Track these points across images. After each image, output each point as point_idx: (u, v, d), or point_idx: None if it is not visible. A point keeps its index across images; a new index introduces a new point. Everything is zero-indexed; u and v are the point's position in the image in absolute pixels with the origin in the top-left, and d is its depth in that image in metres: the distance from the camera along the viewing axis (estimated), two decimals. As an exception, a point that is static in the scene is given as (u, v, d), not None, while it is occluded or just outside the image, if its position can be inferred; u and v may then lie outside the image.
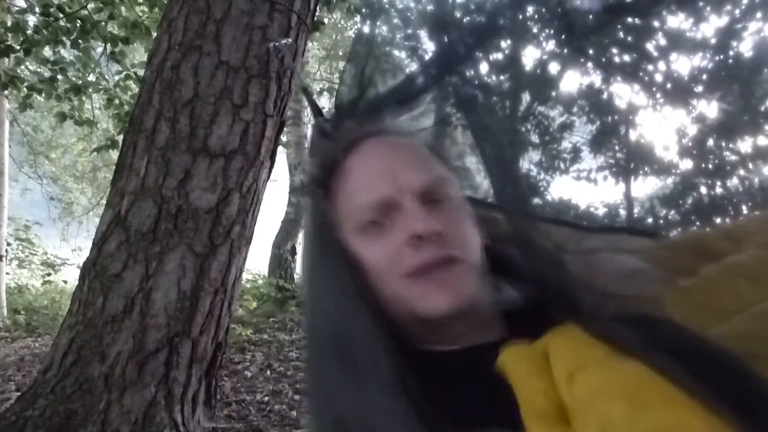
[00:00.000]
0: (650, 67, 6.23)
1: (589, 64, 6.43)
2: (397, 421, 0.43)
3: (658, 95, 6.38)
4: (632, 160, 6.82)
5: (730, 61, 5.86)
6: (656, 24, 5.93)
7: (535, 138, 6.99)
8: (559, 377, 0.42)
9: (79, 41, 3.85)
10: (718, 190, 6.17)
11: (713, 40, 5.89)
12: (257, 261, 6.99)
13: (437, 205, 0.53)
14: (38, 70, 4.51)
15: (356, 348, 0.49)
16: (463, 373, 0.50)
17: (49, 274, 6.88)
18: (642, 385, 0.38)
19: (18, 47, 3.64)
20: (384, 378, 0.46)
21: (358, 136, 0.59)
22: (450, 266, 0.51)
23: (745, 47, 5.84)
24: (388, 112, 0.69)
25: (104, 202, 2.32)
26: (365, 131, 0.60)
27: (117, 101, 4.37)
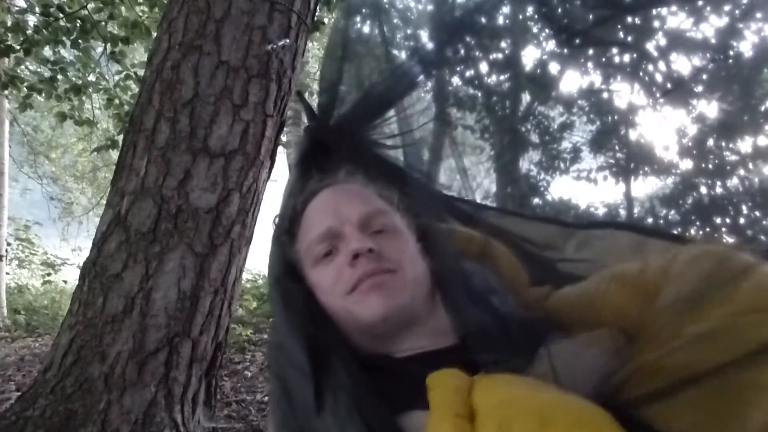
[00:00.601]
0: (650, 67, 6.23)
1: (589, 64, 6.43)
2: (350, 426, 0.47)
3: (658, 95, 6.38)
4: (632, 160, 6.82)
5: (730, 61, 5.86)
6: (656, 24, 5.93)
7: (535, 138, 6.99)
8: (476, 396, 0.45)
9: (79, 41, 3.85)
10: (718, 190, 6.17)
11: (713, 40, 5.88)
12: (257, 261, 6.99)
13: (378, 234, 0.63)
14: (38, 70, 4.51)
15: (318, 358, 0.54)
16: (410, 375, 0.54)
17: (49, 274, 6.88)
18: (555, 407, 0.39)
19: (18, 47, 3.64)
20: (341, 390, 0.50)
21: (315, 189, 0.70)
22: (382, 275, 0.59)
23: (745, 47, 5.84)
24: (375, 111, 0.74)
25: (104, 202, 2.31)
26: (321, 185, 0.70)
27: (117, 101, 4.37)
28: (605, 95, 6.72)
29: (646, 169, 6.80)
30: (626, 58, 6.22)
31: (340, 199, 0.67)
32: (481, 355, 0.51)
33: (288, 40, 1.91)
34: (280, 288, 0.64)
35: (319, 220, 0.65)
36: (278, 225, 0.72)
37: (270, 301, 0.68)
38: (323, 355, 0.54)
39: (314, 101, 0.80)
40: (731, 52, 5.86)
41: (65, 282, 6.84)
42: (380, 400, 0.48)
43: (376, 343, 0.60)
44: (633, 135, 6.95)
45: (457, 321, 0.60)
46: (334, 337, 0.58)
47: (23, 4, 4.33)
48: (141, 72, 3.71)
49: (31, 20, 3.93)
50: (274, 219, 0.73)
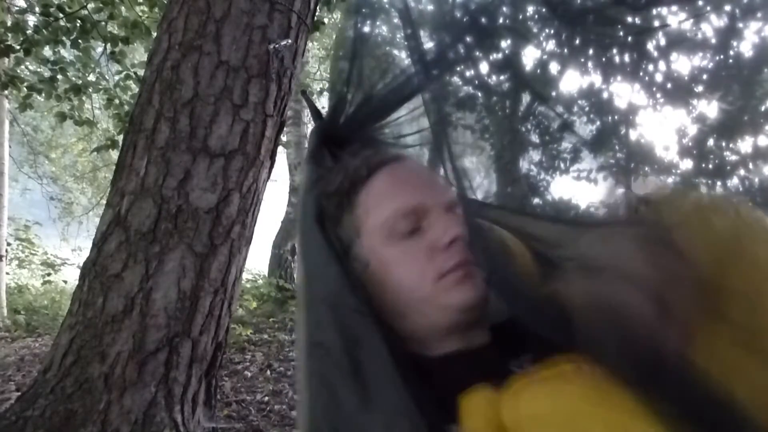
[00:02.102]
0: (650, 67, 6.22)
1: (590, 64, 6.43)
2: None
3: (658, 95, 6.38)
4: (632, 160, 6.81)
5: (730, 61, 5.86)
6: (656, 24, 5.92)
7: (535, 138, 6.99)
8: (504, 410, 0.43)
9: (79, 41, 3.85)
10: (718, 190, 6.17)
11: (713, 40, 5.88)
12: (257, 261, 6.99)
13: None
14: (38, 70, 4.51)
15: (364, 358, 0.51)
16: (451, 376, 0.52)
17: (49, 274, 6.88)
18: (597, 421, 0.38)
19: (18, 47, 3.64)
20: (390, 390, 0.48)
21: (383, 158, 0.64)
22: (472, 266, 0.57)
23: (745, 47, 5.84)
24: (384, 111, 0.72)
25: (104, 202, 2.32)
26: (387, 156, 0.65)
27: (117, 101, 4.37)
28: (605, 95, 6.72)
29: (646, 169, 6.80)
30: (626, 58, 6.22)
31: (424, 177, 0.63)
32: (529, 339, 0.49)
33: (288, 40, 1.91)
34: (315, 265, 0.59)
35: (403, 192, 0.59)
36: (320, 184, 0.65)
37: (303, 269, 0.61)
38: (357, 338, 0.51)
39: (316, 101, 0.80)
40: (731, 52, 5.85)
41: (65, 282, 6.83)
42: (421, 394, 0.47)
43: (432, 336, 0.58)
44: (633, 135, 6.95)
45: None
46: (378, 320, 0.54)
47: (23, 4, 4.34)
48: (141, 72, 3.71)
49: (31, 20, 3.94)
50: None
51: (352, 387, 0.49)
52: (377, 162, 0.63)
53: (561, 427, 0.40)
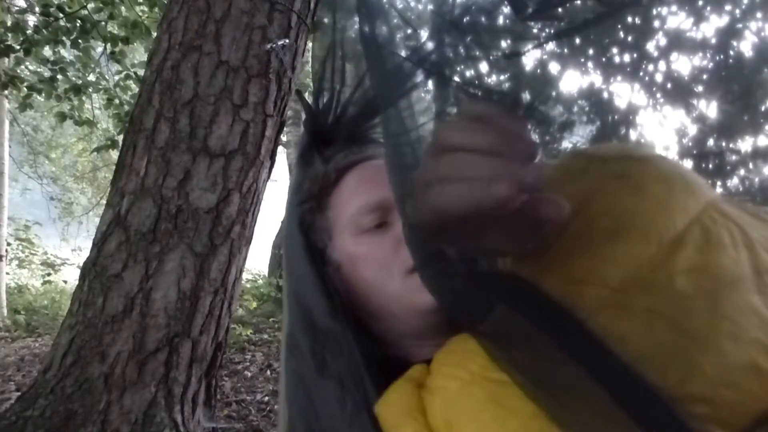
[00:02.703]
0: (650, 67, 6.22)
1: (589, 64, 6.44)
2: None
3: (658, 95, 6.38)
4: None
5: (730, 61, 5.86)
6: (656, 24, 5.93)
7: (535, 138, 6.98)
8: (436, 426, 0.41)
9: (79, 41, 3.85)
10: (718, 189, 6.17)
11: (713, 40, 5.89)
12: (257, 261, 6.99)
13: None
14: (38, 70, 4.51)
15: (333, 361, 0.51)
16: None
17: (49, 274, 6.89)
18: None
19: (18, 47, 3.64)
20: (360, 395, 0.48)
21: (352, 160, 0.64)
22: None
23: (745, 47, 5.84)
24: (375, 110, 0.72)
25: (104, 202, 2.32)
26: (358, 156, 0.65)
27: (117, 101, 4.37)
28: (605, 95, 6.72)
29: (646, 169, 6.80)
30: (626, 58, 6.22)
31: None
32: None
33: (288, 40, 1.91)
34: (293, 265, 0.60)
35: (368, 189, 0.59)
36: (300, 191, 0.66)
37: (284, 295, 0.64)
38: (330, 339, 0.52)
39: (308, 103, 0.79)
40: (731, 52, 5.86)
41: (65, 282, 6.84)
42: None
43: (408, 334, 0.57)
44: (633, 135, 6.94)
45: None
46: (344, 320, 0.54)
47: (23, 4, 4.33)
48: (141, 72, 3.71)
49: (31, 20, 3.94)
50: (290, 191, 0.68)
51: (326, 390, 0.49)
52: (346, 164, 0.63)
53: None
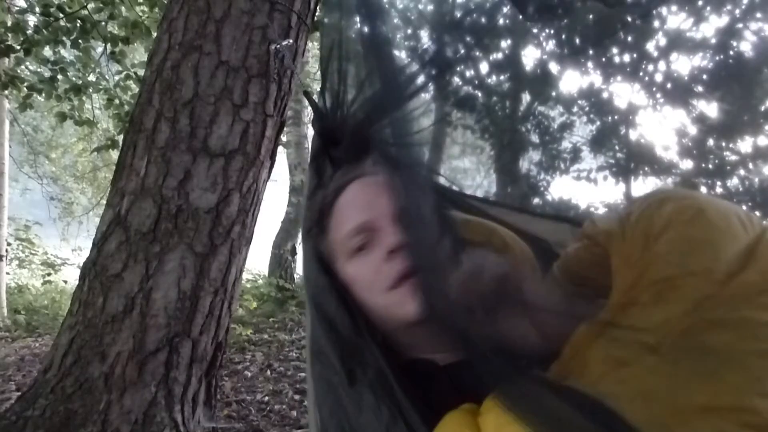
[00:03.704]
0: (650, 67, 6.22)
1: (589, 64, 6.43)
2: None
3: (658, 95, 6.38)
4: (632, 160, 6.81)
5: (730, 61, 5.85)
6: (656, 24, 5.92)
7: (535, 138, 6.99)
8: None
9: (79, 41, 3.85)
10: (718, 190, 6.16)
11: (713, 40, 5.88)
12: (257, 261, 6.99)
13: None
14: (38, 70, 4.50)
15: (359, 368, 0.54)
16: (442, 386, 0.54)
17: (49, 274, 6.88)
18: None
19: (18, 47, 3.63)
20: (378, 387, 0.50)
21: (344, 181, 0.68)
22: (421, 273, 0.56)
23: (745, 47, 5.83)
24: (383, 111, 0.73)
25: (104, 202, 2.31)
26: (350, 176, 0.68)
27: (117, 101, 4.37)
28: (605, 95, 6.72)
29: (646, 169, 6.79)
30: (626, 58, 6.21)
31: (372, 191, 0.65)
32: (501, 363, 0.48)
33: (288, 40, 1.91)
34: (311, 288, 0.63)
35: (352, 213, 0.63)
36: (307, 218, 0.70)
37: (306, 301, 0.66)
38: (356, 351, 0.54)
39: (315, 103, 0.79)
40: (731, 52, 5.85)
41: (65, 282, 6.83)
42: (420, 402, 0.48)
43: (417, 343, 0.59)
44: (633, 135, 6.94)
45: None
46: (369, 333, 0.57)
47: (23, 4, 4.33)
48: (141, 72, 3.70)
49: (31, 20, 3.93)
50: (306, 223, 0.71)
51: (358, 398, 0.51)
52: (338, 187, 0.67)
53: None
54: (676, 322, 0.41)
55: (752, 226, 0.45)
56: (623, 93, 6.81)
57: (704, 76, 6.06)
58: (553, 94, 6.84)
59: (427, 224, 0.58)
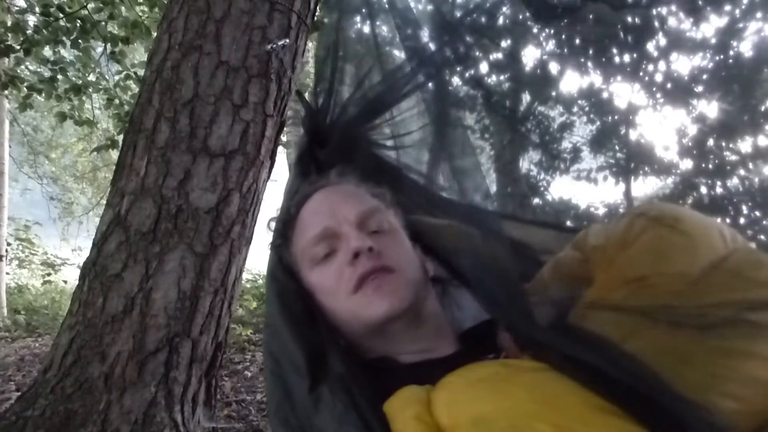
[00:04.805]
0: (650, 67, 6.22)
1: (589, 64, 6.43)
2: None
3: (658, 95, 6.38)
4: (632, 160, 6.81)
5: (730, 61, 5.85)
6: (656, 24, 5.92)
7: (535, 138, 6.99)
8: (439, 409, 0.44)
9: (79, 41, 3.85)
10: (718, 190, 6.17)
11: (713, 40, 5.88)
12: (257, 261, 6.98)
13: (375, 234, 0.62)
14: (38, 70, 4.50)
15: (319, 368, 0.54)
16: (412, 381, 0.54)
17: (49, 274, 6.88)
18: (532, 413, 0.39)
19: (18, 47, 3.63)
20: (338, 387, 0.51)
21: (308, 192, 0.68)
22: (384, 274, 0.58)
23: (745, 47, 5.83)
24: (374, 112, 0.74)
25: (104, 202, 2.31)
26: (314, 187, 0.69)
27: (117, 101, 4.37)
28: (605, 95, 6.71)
29: (646, 169, 6.79)
30: (626, 58, 6.21)
31: (335, 198, 0.66)
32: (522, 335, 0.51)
33: (288, 40, 1.91)
34: (277, 290, 0.63)
35: (314, 221, 0.64)
36: (273, 229, 0.71)
37: (267, 304, 0.67)
38: (321, 355, 0.54)
39: (308, 104, 0.79)
40: (731, 52, 5.85)
41: (65, 282, 6.83)
42: (378, 398, 0.48)
43: (382, 344, 0.60)
44: (633, 135, 6.94)
45: (491, 309, 0.59)
46: (331, 338, 0.57)
47: (23, 4, 4.33)
48: (141, 72, 3.70)
49: (31, 20, 3.93)
50: (269, 223, 0.72)
51: (305, 387, 0.52)
52: (302, 197, 0.68)
53: (507, 428, 0.39)
54: (644, 319, 0.44)
55: (734, 243, 0.47)
56: (623, 93, 6.81)
57: (704, 76, 6.06)
58: (553, 94, 6.84)
59: (509, 276, 0.59)
